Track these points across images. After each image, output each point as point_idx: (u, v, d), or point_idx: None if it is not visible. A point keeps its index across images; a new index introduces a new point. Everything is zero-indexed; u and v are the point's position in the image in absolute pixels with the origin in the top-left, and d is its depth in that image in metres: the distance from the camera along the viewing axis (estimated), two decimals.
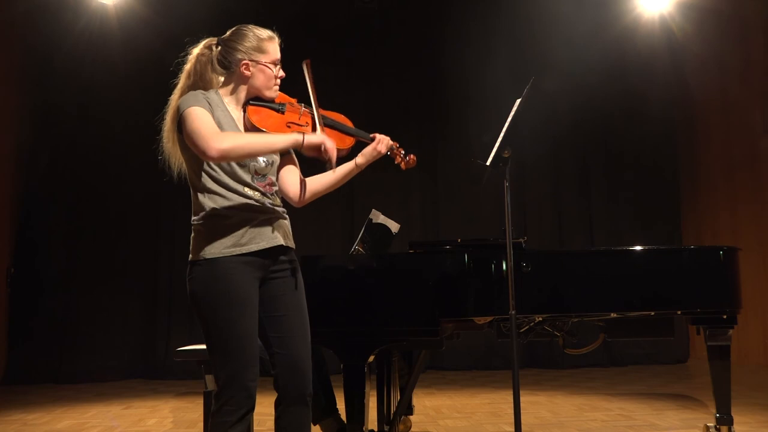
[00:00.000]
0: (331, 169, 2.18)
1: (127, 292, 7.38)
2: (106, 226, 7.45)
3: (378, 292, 2.90)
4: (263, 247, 2.15)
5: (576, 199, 7.97)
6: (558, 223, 7.91)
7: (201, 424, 3.37)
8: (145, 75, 7.43)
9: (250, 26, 2.28)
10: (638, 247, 3.17)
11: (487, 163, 2.72)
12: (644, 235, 7.52)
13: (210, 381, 3.16)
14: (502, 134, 2.70)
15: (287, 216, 2.29)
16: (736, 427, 3.09)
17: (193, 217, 2.18)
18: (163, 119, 2.26)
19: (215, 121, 2.13)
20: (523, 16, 7.76)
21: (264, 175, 2.21)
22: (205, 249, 2.11)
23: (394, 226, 3.62)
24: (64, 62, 7.37)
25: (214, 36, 2.33)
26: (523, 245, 3.04)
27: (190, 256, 2.15)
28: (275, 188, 2.26)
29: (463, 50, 7.76)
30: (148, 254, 7.55)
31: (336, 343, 2.82)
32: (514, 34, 7.84)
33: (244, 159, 2.13)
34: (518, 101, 2.72)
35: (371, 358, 2.91)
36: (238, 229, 2.12)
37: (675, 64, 8.15)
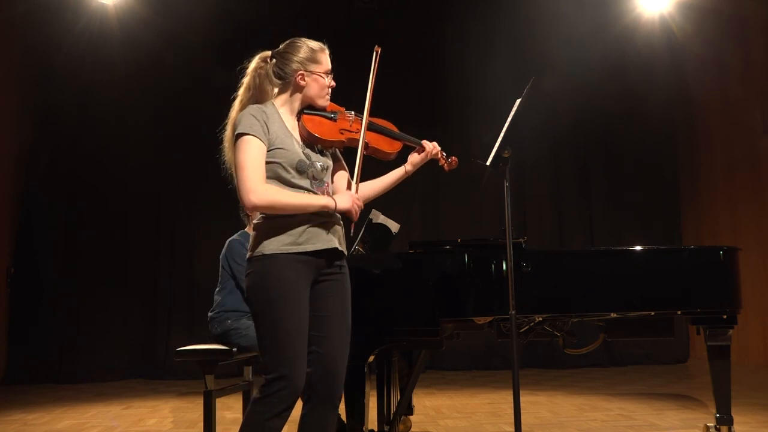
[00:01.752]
0: (348, 230, 2.32)
1: (127, 292, 7.38)
2: (106, 226, 7.45)
3: (378, 291, 2.91)
4: (319, 248, 2.22)
5: (576, 199, 7.97)
6: (558, 223, 7.91)
7: (201, 424, 3.37)
8: (145, 75, 7.44)
9: (303, 39, 2.38)
10: (638, 247, 3.16)
11: (487, 163, 2.72)
12: (644, 235, 7.52)
13: (210, 381, 3.17)
14: (502, 134, 2.70)
15: (342, 222, 2.34)
16: (736, 427, 3.09)
17: (255, 219, 2.26)
18: (223, 130, 2.34)
19: (271, 136, 2.20)
20: (523, 16, 7.76)
21: (321, 180, 2.29)
22: (264, 245, 2.18)
23: (394, 226, 3.62)
24: (64, 62, 7.38)
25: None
26: (523, 245, 3.04)
27: (249, 252, 2.23)
28: (331, 192, 2.33)
29: (463, 50, 7.76)
30: (148, 254, 7.55)
31: None
32: (514, 34, 7.84)
33: (275, 213, 2.19)
34: (518, 101, 2.72)
35: (371, 358, 2.91)
36: (297, 229, 2.19)
37: (675, 64, 8.15)
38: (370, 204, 3.64)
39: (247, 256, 2.24)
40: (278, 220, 2.19)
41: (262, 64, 2.35)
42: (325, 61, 2.36)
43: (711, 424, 3.09)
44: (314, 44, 2.36)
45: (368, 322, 2.84)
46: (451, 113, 7.90)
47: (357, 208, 2.26)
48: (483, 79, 7.38)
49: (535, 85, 2.71)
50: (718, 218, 7.59)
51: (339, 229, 2.32)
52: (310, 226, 2.21)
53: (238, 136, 2.19)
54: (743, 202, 7.20)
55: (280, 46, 2.37)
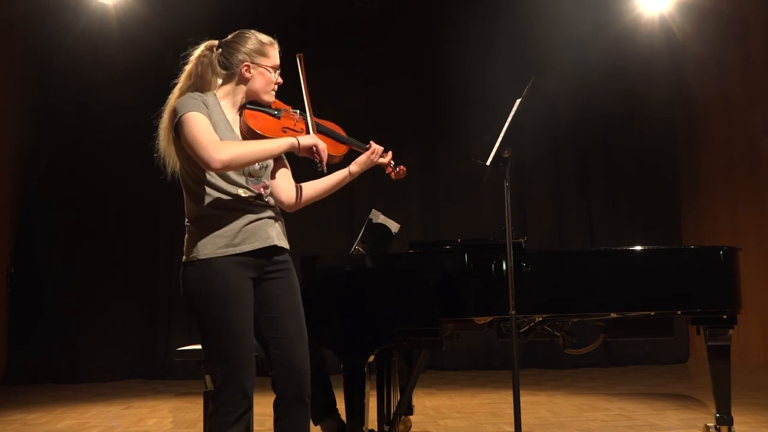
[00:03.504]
0: (322, 170, 2.23)
1: (127, 292, 7.38)
2: (106, 226, 7.45)
3: (378, 292, 2.90)
4: (257, 247, 2.16)
5: (576, 199, 7.97)
6: (558, 223, 7.91)
7: (201, 424, 3.37)
8: (145, 75, 7.43)
9: (253, 31, 2.31)
10: (638, 247, 3.17)
11: (487, 163, 2.72)
12: (644, 235, 7.51)
13: (210, 381, 3.17)
14: (502, 134, 2.70)
15: (282, 217, 2.30)
16: (736, 427, 3.09)
17: (186, 219, 2.20)
18: (160, 117, 2.27)
19: (211, 124, 2.14)
20: (523, 16, 7.76)
21: (258, 178, 2.23)
22: (198, 249, 2.12)
23: (394, 226, 3.62)
24: (64, 62, 7.37)
25: (214, 38, 2.34)
26: (523, 245, 3.04)
27: (184, 257, 2.17)
28: (269, 191, 2.28)
29: (463, 50, 7.75)
30: (148, 254, 7.55)
31: (336, 343, 2.82)
32: (514, 34, 7.84)
33: (245, 167, 2.15)
34: (518, 101, 2.72)
35: (371, 358, 2.91)
36: (232, 229, 2.13)
37: (675, 64, 8.14)
38: (370, 204, 3.64)
39: (183, 259, 2.17)
40: (210, 221, 2.13)
41: (207, 53, 2.28)
42: (274, 55, 2.29)
43: (711, 424, 3.09)
44: (264, 37, 2.30)
45: (368, 322, 2.84)
46: (451, 113, 7.90)
47: (322, 145, 2.21)
48: (483, 79, 7.37)
49: (535, 85, 2.71)
50: (718, 218, 7.58)
51: (278, 224, 2.26)
52: (244, 227, 2.14)
53: (180, 118, 2.10)
54: (743, 202, 7.20)
55: (228, 36, 2.30)
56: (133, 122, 7.46)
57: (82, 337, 7.18)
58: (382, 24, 7.86)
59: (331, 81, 6.92)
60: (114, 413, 5.09)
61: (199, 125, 2.09)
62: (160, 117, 2.27)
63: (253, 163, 2.15)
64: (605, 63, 7.62)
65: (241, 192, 2.17)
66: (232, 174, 2.16)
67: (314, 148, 2.20)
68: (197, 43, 2.32)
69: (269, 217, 2.22)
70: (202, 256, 2.11)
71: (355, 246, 3.41)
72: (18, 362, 7.04)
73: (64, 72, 7.43)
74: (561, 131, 7.86)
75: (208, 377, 3.16)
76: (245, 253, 2.14)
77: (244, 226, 2.15)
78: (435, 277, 2.90)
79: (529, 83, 2.70)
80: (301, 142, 2.19)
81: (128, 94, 7.42)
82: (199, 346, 3.37)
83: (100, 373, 7.01)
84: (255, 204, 2.20)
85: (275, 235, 2.22)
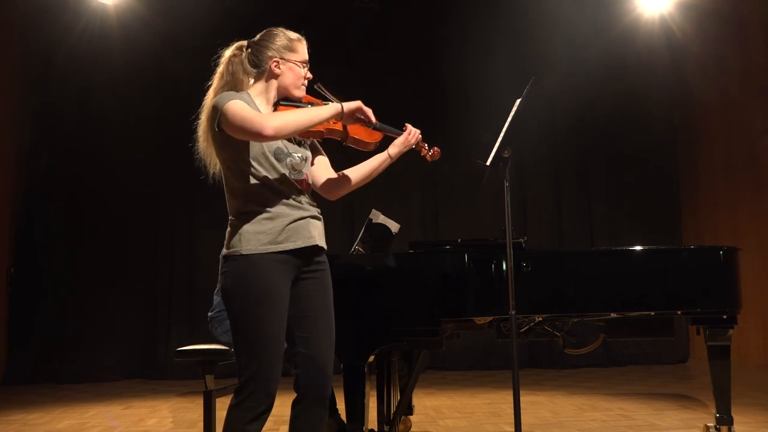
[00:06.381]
0: (372, 125, 2.30)
1: (127, 292, 7.38)
2: (106, 226, 7.45)
3: (378, 292, 2.90)
4: (299, 246, 2.18)
5: (576, 199, 7.97)
6: (558, 223, 7.91)
7: (201, 424, 3.37)
8: (145, 75, 7.45)
9: (281, 28, 2.35)
10: (638, 247, 3.17)
11: (487, 163, 2.72)
12: (644, 235, 7.52)
13: (210, 381, 3.17)
14: (502, 134, 2.70)
15: (321, 216, 2.31)
16: (736, 427, 3.09)
17: (230, 215, 2.21)
18: (198, 118, 2.28)
19: None
20: (523, 16, 7.76)
21: (300, 171, 2.24)
22: (242, 244, 2.13)
23: (394, 226, 3.62)
24: (64, 62, 7.38)
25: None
26: (523, 245, 3.04)
27: (225, 250, 2.18)
28: (310, 186, 2.30)
29: (463, 50, 7.76)
30: (148, 254, 7.55)
31: (336, 342, 2.81)
32: (514, 34, 7.84)
33: (295, 134, 2.17)
34: (518, 101, 2.72)
35: (371, 358, 2.91)
36: (277, 226, 2.15)
37: (675, 64, 8.15)
38: (370, 204, 3.64)
39: (223, 253, 2.18)
40: (255, 217, 2.14)
41: (237, 52, 2.31)
42: (302, 51, 2.32)
43: (711, 424, 3.09)
44: (292, 34, 2.33)
45: (368, 322, 2.84)
46: (451, 113, 7.90)
47: (367, 108, 2.26)
48: (483, 79, 7.37)
49: (535, 84, 2.71)
50: (718, 218, 7.58)
51: (319, 224, 2.28)
52: (288, 224, 2.16)
53: (221, 110, 2.10)
54: (743, 202, 7.20)
55: (257, 36, 2.33)
56: (134, 122, 7.51)
57: (82, 337, 7.19)
58: (382, 24, 7.86)
59: (331, 81, 6.91)
60: (114, 413, 5.09)
61: (242, 108, 2.10)
62: (198, 118, 2.28)
63: (301, 129, 2.15)
64: (605, 63, 7.62)
65: (285, 188, 2.19)
66: (276, 166, 2.17)
67: (360, 108, 2.25)
68: (227, 45, 2.34)
69: (312, 216, 2.24)
70: (245, 252, 2.12)
71: (355, 246, 3.41)
72: (18, 362, 7.04)
73: (64, 72, 7.43)
74: (561, 131, 7.86)
75: (208, 377, 3.17)
76: (288, 251, 2.15)
77: (288, 224, 2.16)
78: (435, 277, 2.90)
79: (529, 83, 2.70)
80: (345, 107, 2.22)
81: (128, 94, 7.43)
82: (199, 346, 3.38)
83: (100, 373, 7.01)
84: (299, 201, 2.22)
85: (317, 234, 2.24)
